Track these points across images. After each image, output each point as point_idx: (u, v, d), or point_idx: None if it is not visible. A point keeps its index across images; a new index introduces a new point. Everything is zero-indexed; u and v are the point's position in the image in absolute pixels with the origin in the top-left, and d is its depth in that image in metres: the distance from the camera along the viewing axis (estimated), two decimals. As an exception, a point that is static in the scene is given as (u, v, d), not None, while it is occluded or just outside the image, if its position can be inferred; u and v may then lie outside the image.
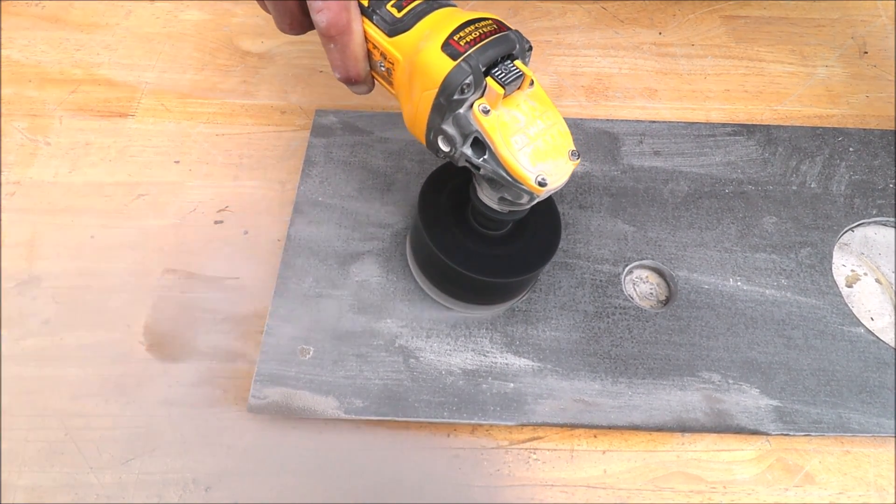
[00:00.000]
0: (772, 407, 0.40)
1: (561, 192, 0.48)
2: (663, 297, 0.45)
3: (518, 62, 0.31)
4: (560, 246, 0.42)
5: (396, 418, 0.39)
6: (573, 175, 0.49)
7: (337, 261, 0.45)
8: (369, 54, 0.35)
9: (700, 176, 0.50)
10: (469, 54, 0.30)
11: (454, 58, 0.30)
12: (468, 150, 0.33)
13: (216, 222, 0.48)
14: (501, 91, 0.30)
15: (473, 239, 0.39)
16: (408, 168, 0.49)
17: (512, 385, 0.40)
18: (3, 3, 0.62)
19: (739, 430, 0.39)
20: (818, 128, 0.53)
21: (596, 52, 0.60)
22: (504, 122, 0.31)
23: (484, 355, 0.41)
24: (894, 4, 0.64)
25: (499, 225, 0.39)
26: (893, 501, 0.38)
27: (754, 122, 0.54)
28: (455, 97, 0.30)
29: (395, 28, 0.32)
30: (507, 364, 0.41)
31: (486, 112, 0.31)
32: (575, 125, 0.52)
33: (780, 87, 0.58)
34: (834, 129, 0.53)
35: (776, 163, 0.51)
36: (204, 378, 0.42)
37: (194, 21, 0.61)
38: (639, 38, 0.61)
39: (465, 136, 0.32)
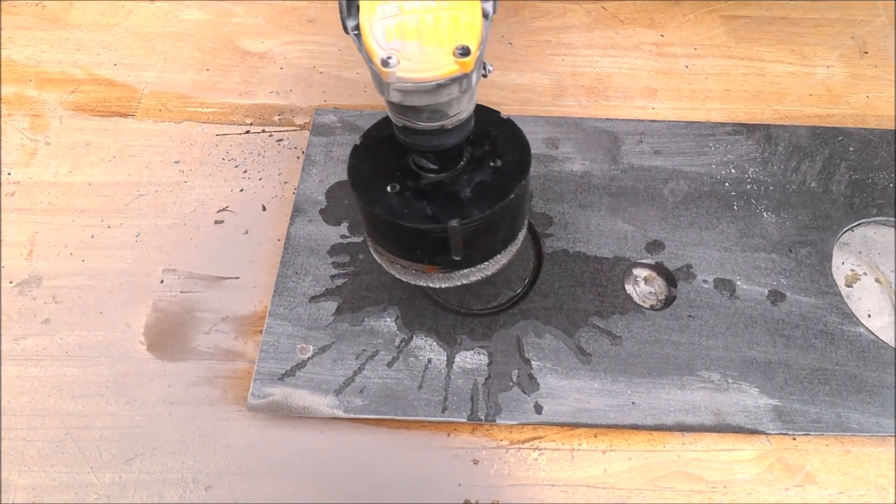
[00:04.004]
0: (771, 406, 0.40)
1: (560, 191, 0.48)
2: (663, 297, 0.45)
3: None
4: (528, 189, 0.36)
5: (396, 417, 0.39)
6: (572, 174, 0.49)
7: (336, 260, 0.45)
8: None
9: (700, 175, 0.50)
10: None
11: None
12: (350, 22, 0.28)
13: (216, 222, 0.48)
14: None
15: (414, 186, 0.32)
16: (408, 168, 0.49)
17: (512, 384, 0.40)
18: (3, 3, 0.62)
19: (739, 430, 0.39)
20: (818, 127, 0.53)
21: (596, 52, 0.60)
22: None
23: (484, 355, 0.41)
24: (894, 4, 0.64)
25: (430, 157, 0.32)
26: (893, 501, 0.38)
27: (754, 122, 0.54)
28: None
29: None
30: (507, 363, 0.41)
31: None
32: (575, 124, 0.52)
33: (780, 87, 0.58)
34: (834, 128, 0.52)
35: (776, 162, 0.51)
36: (204, 378, 0.42)
37: (194, 21, 0.61)
38: (639, 38, 0.61)
39: (349, 3, 0.28)
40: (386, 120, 0.34)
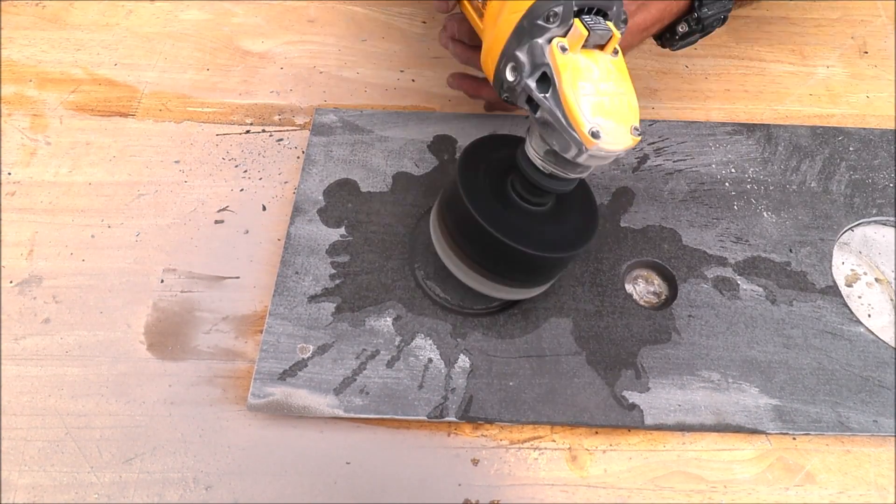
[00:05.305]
0: (771, 406, 0.40)
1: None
2: (663, 297, 0.45)
3: (610, 23, 0.31)
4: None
5: (396, 416, 0.39)
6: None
7: (336, 259, 0.45)
8: None
9: (700, 175, 0.50)
10: None
11: None
12: (532, 83, 0.32)
13: (216, 222, 0.48)
14: (585, 33, 0.30)
15: (515, 212, 0.37)
16: (407, 167, 0.49)
17: (512, 384, 0.40)
18: (3, 3, 0.62)
19: (738, 429, 0.39)
20: (818, 127, 0.53)
21: (596, 51, 0.60)
22: (578, 65, 0.31)
23: (484, 354, 0.41)
24: (894, 4, 0.64)
25: (539, 194, 0.37)
26: (894, 501, 0.38)
27: (755, 122, 0.54)
28: (538, 22, 0.31)
29: None
30: (506, 363, 0.41)
31: (564, 50, 0.31)
32: (575, 125, 0.52)
33: (780, 86, 0.58)
34: (834, 128, 0.53)
35: (776, 162, 0.51)
36: (204, 377, 0.42)
37: (194, 21, 0.61)
38: (639, 38, 0.61)
39: (534, 67, 0.32)
40: (481, 140, 0.40)
